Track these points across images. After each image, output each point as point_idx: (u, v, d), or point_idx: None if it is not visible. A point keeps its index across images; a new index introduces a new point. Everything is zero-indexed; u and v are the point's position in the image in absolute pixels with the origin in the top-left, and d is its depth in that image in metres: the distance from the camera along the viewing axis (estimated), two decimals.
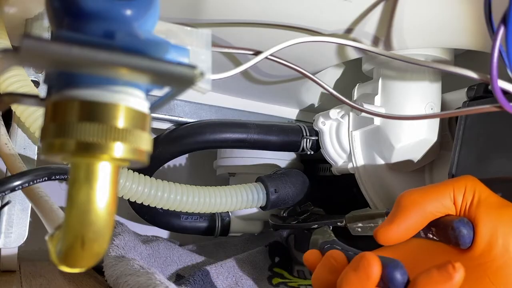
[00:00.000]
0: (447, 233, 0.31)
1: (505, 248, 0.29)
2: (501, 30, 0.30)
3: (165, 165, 0.76)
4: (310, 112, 0.69)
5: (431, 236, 0.32)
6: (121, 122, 0.19)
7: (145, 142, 0.19)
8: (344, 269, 0.30)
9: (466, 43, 0.44)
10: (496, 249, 0.29)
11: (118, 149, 0.18)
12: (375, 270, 0.28)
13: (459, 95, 0.50)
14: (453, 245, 0.31)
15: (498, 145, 0.39)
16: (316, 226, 0.52)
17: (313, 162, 0.71)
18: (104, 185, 0.19)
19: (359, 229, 0.41)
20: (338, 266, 0.31)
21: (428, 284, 0.26)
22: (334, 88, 0.50)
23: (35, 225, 0.42)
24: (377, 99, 0.53)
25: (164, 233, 0.65)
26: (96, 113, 0.18)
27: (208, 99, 0.62)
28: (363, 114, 0.50)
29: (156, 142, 0.56)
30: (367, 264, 0.28)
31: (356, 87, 0.58)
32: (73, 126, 0.18)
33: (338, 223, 0.42)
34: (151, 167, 0.57)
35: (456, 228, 0.30)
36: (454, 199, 0.32)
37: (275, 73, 0.57)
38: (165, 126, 0.61)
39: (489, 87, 0.32)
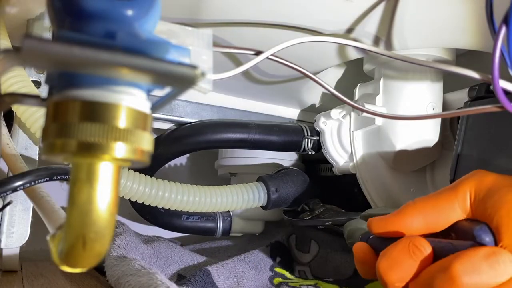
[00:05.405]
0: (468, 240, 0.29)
1: None
2: (503, 30, 0.30)
3: (166, 165, 0.76)
4: (311, 112, 0.69)
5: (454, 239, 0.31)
6: (122, 122, 0.19)
7: (146, 142, 0.19)
8: (429, 259, 0.29)
9: (467, 43, 0.44)
10: None
11: (119, 149, 0.18)
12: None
13: (461, 95, 0.50)
14: None
15: (500, 145, 0.39)
16: (329, 223, 0.51)
17: (314, 162, 0.71)
18: (105, 185, 0.19)
19: None
20: (426, 256, 0.29)
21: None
22: (335, 88, 0.50)
23: (37, 225, 0.42)
24: (379, 99, 0.53)
25: (165, 233, 0.65)
26: (98, 113, 0.18)
27: (209, 99, 0.62)
28: (365, 114, 0.50)
29: (157, 142, 0.56)
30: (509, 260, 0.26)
31: (358, 87, 0.58)
32: (75, 126, 0.18)
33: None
34: (152, 167, 0.57)
35: (478, 237, 0.28)
36: (462, 207, 0.30)
37: (276, 73, 0.57)
38: (166, 126, 0.61)
39: (491, 87, 0.32)
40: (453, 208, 0.30)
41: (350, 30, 0.45)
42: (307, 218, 0.55)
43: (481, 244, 0.28)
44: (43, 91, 0.47)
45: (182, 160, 0.80)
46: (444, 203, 0.30)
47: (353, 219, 0.39)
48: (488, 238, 0.28)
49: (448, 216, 0.30)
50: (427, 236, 0.31)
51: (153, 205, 0.50)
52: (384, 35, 0.45)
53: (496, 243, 0.28)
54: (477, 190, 0.30)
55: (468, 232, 0.29)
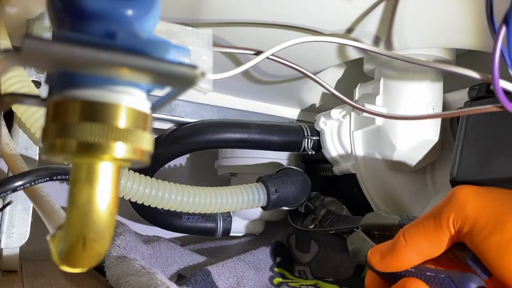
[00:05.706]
0: (466, 265, 0.31)
1: None
2: (503, 30, 0.30)
3: (166, 166, 0.76)
4: (311, 112, 0.69)
5: (453, 258, 0.32)
6: (122, 122, 0.19)
7: (146, 142, 0.19)
8: None
9: (467, 43, 0.44)
10: None
11: (119, 149, 0.18)
12: None
13: (461, 95, 0.50)
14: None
15: (500, 145, 0.39)
16: (333, 231, 0.53)
17: (315, 162, 0.71)
18: (105, 185, 0.19)
19: (376, 236, 0.41)
20: None
21: None
22: (335, 88, 0.50)
23: (37, 225, 0.42)
24: (379, 99, 0.53)
25: (165, 233, 0.65)
26: (98, 113, 0.18)
27: (209, 99, 0.62)
28: (365, 114, 0.50)
29: (157, 142, 0.56)
30: None
31: (358, 87, 0.58)
32: (75, 126, 0.18)
33: (354, 229, 0.43)
34: (152, 167, 0.57)
35: (472, 266, 0.30)
36: (450, 237, 0.31)
37: (276, 73, 0.57)
38: (166, 126, 0.61)
39: (491, 87, 0.32)
40: (442, 240, 0.32)
41: (350, 30, 0.45)
42: (311, 226, 0.56)
43: (476, 272, 0.30)
44: (43, 91, 0.47)
45: (182, 160, 0.80)
46: (432, 238, 0.32)
47: (353, 234, 0.40)
48: (479, 267, 0.30)
49: (439, 247, 0.32)
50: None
51: (153, 205, 0.50)
52: (384, 35, 0.45)
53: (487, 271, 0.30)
54: (460, 224, 0.31)
55: (462, 259, 0.31)
